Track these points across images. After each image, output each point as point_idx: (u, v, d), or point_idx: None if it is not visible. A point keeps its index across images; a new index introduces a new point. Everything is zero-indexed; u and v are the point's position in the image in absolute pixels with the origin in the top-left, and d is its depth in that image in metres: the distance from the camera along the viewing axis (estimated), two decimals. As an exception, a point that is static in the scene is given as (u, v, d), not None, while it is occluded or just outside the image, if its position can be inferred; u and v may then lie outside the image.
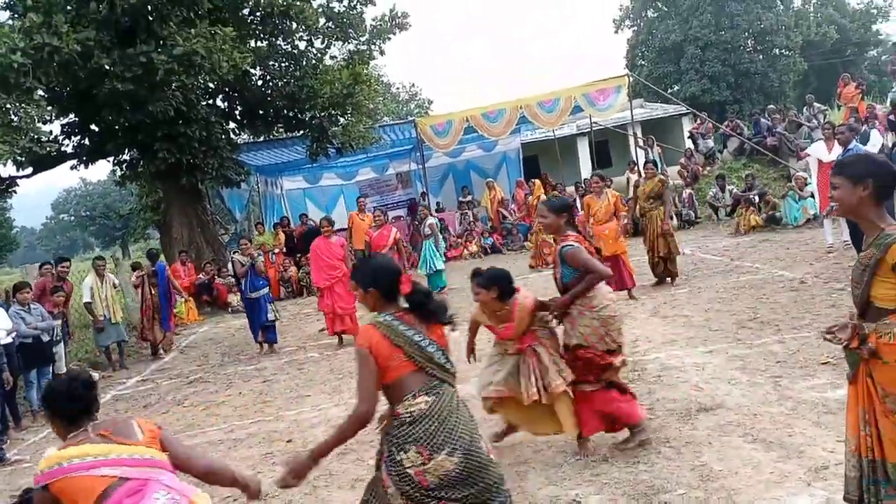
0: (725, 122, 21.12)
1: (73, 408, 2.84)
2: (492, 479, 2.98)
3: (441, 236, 13.85)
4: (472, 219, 18.50)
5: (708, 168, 18.57)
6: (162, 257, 13.56)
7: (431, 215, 14.83)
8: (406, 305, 3.12)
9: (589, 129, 21.55)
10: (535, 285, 11.92)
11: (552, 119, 17.75)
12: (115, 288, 11.02)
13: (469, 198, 19.52)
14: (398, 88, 49.57)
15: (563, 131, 22.44)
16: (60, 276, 10.05)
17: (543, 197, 14.25)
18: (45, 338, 8.59)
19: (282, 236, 17.43)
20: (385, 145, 20.13)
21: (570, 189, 18.48)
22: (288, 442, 6.06)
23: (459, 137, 18.31)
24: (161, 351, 11.55)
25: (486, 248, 17.50)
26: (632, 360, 6.65)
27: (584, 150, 24.03)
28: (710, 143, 19.95)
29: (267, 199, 21.99)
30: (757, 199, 14.69)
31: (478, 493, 2.92)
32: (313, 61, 16.53)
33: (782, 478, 3.94)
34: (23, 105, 11.40)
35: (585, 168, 23.21)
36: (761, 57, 38.27)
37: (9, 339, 7.67)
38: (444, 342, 3.12)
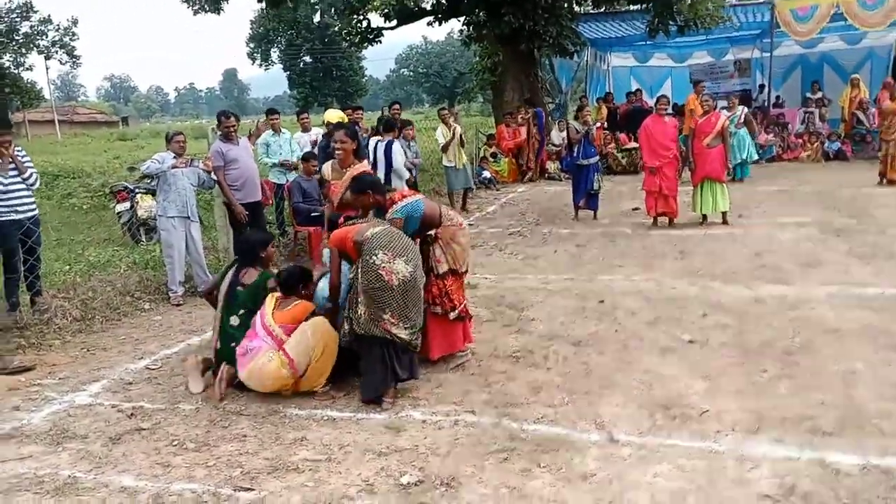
0: None
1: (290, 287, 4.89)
2: (420, 309, 4.57)
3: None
4: (817, 118, 16.51)
5: None
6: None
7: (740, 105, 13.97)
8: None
9: None
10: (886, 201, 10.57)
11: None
12: (461, 135, 11.95)
13: (819, 94, 17.30)
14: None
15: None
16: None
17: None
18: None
19: (604, 111, 17.35)
20: (730, 27, 18.46)
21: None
22: (600, 302, 6.43)
23: (823, 25, 16.08)
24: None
25: (830, 153, 15.63)
26: None
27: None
28: None
29: (593, 73, 21.81)
30: None
31: (416, 301, 4.50)
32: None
33: None
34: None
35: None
36: None
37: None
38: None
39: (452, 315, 4.97)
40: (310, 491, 3.48)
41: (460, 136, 11.84)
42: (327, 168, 5.88)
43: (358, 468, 3.68)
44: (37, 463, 3.91)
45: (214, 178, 7.52)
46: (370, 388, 4.51)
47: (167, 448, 4.02)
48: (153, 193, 9.80)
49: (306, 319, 4.67)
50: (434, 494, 3.40)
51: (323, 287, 4.94)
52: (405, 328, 4.43)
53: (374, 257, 4.36)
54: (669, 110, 10.50)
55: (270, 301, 4.75)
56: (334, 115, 9.94)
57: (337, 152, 5.61)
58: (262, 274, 5.00)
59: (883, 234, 8.40)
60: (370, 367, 4.49)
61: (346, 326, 4.57)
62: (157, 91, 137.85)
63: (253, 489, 3.51)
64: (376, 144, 8.95)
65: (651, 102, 14.04)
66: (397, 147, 8.94)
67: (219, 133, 7.73)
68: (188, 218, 7.24)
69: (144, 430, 4.27)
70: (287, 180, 9.42)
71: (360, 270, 4.43)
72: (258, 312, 4.73)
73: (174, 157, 7.17)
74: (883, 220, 9.23)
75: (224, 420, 4.36)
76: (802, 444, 3.68)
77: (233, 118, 7.89)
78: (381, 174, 8.47)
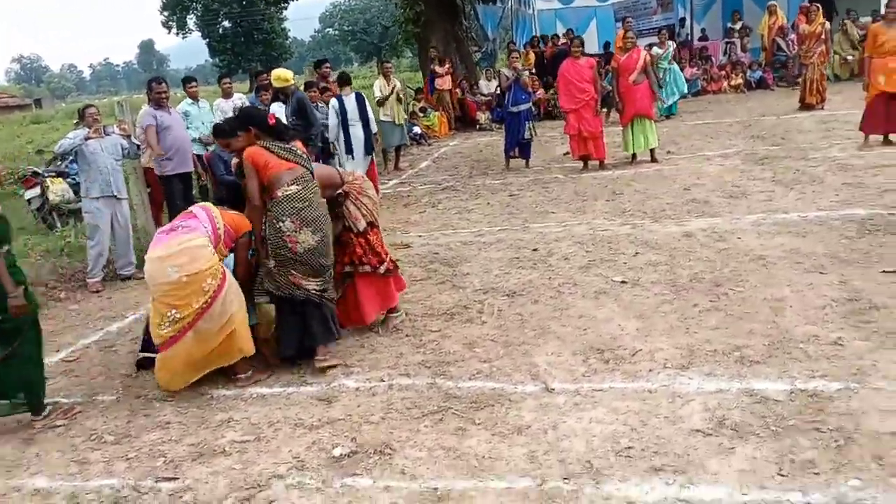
0: None
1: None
2: (330, 261, 4.47)
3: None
4: (739, 49, 16.69)
5: None
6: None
7: (669, 40, 13.91)
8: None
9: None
10: (807, 125, 10.78)
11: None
12: (399, 92, 11.53)
13: (739, 24, 17.44)
14: None
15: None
16: (324, 76, 10.90)
17: (828, 26, 12.45)
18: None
19: (532, 56, 17.16)
20: (650, -39, 18.45)
21: (866, 19, 15.77)
22: (534, 250, 6.37)
23: (739, -47, 16.17)
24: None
25: (753, 82, 15.87)
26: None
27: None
28: None
29: (518, 18, 21.56)
30: None
31: (324, 265, 4.38)
32: None
33: None
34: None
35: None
36: None
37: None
38: (304, 150, 4.60)
39: (382, 269, 4.81)
40: (237, 473, 3.33)
41: (398, 92, 11.50)
42: None
43: (288, 445, 3.55)
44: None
45: (137, 142, 7.13)
46: (287, 345, 4.47)
47: (84, 444, 3.80)
48: (64, 176, 9.28)
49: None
50: (367, 463, 3.30)
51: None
52: (314, 281, 4.36)
53: (282, 223, 4.26)
54: (584, 50, 10.34)
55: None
56: (283, 75, 9.20)
57: None
58: None
59: (804, 160, 8.56)
60: (285, 325, 4.45)
61: (259, 281, 4.47)
62: (71, 69, 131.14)
63: (176, 478, 3.34)
64: (341, 101, 8.92)
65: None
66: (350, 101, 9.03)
67: (150, 101, 7.44)
68: (114, 197, 6.82)
69: (59, 426, 4.03)
70: (207, 151, 9.00)
71: (267, 226, 4.33)
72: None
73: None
74: (805, 145, 9.41)
75: (146, 408, 4.15)
76: (732, 375, 3.70)
77: (164, 84, 7.53)
78: (356, 129, 8.89)
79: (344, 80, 9.24)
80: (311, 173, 4.46)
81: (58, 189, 9.21)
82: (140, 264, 7.20)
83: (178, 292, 4.02)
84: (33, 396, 4.04)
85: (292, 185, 4.31)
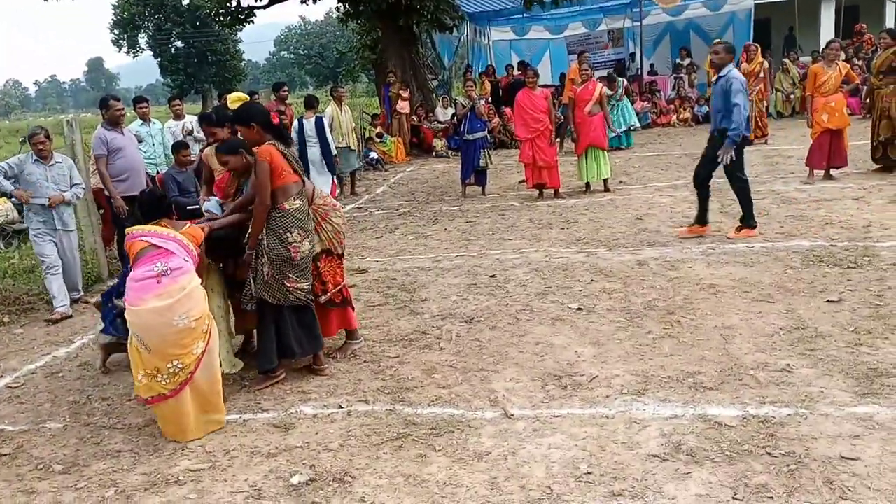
0: None
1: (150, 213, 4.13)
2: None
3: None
4: (687, 84, 17.28)
5: None
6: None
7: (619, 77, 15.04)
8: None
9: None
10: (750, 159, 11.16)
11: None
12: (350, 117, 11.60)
13: (687, 61, 18.08)
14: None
15: (807, -9, 19.74)
16: (282, 98, 10.92)
17: (766, 66, 13.01)
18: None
19: (487, 86, 17.43)
20: (602, -2, 19.03)
21: (806, 59, 16.53)
22: (491, 277, 6.42)
23: (686, -7, 16.80)
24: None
25: (700, 116, 16.40)
26: (863, 245, 6.19)
27: (828, 15, 21.12)
28: None
29: (474, 48, 21.91)
30: None
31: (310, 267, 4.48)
32: None
33: None
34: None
35: (827, 36, 20.46)
36: None
37: None
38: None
39: (322, 298, 4.67)
40: (192, 503, 3.25)
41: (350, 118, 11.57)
42: (210, 154, 5.17)
43: (245, 473, 3.48)
44: None
45: (75, 196, 6.76)
46: (266, 358, 4.45)
47: (31, 473, 3.66)
48: (6, 196, 9.00)
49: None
50: (326, 492, 3.26)
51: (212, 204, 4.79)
52: (305, 283, 4.43)
53: (289, 234, 4.34)
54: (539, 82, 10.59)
55: (155, 227, 4.02)
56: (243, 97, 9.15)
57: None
58: None
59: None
60: (266, 336, 4.45)
61: (247, 289, 4.45)
62: (15, 85, 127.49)
63: (128, 509, 3.25)
64: (301, 122, 9.63)
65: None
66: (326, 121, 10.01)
67: (104, 120, 7.23)
68: (58, 230, 6.53)
69: (4, 455, 3.87)
70: (158, 171, 8.86)
71: (268, 238, 4.33)
72: (150, 232, 3.96)
73: (34, 161, 6.44)
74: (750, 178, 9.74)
75: (95, 436, 4.02)
76: (686, 401, 3.79)
77: (120, 102, 7.36)
78: (314, 150, 9.58)
79: (309, 104, 9.63)
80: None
81: (0, 209, 8.93)
82: (87, 287, 7.05)
83: (184, 340, 3.75)
84: None
85: (298, 198, 4.40)
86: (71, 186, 6.67)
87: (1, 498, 3.45)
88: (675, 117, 16.79)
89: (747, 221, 6.98)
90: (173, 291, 3.73)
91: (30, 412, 4.46)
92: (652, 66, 19.86)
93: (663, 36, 21.27)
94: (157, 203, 4.22)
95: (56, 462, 3.75)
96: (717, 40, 7.69)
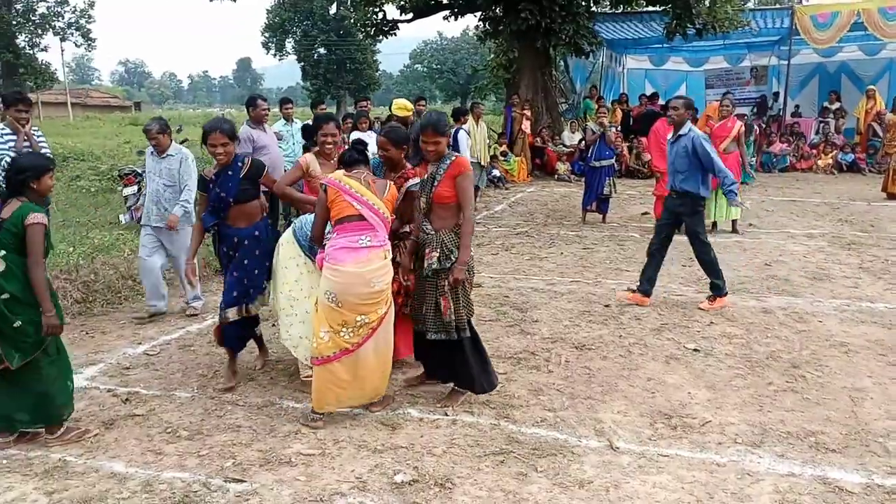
0: None
1: (352, 158, 4.27)
2: None
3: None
4: (832, 129, 16.36)
5: None
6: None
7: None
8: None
9: None
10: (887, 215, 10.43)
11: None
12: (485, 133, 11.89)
13: (836, 105, 17.14)
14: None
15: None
16: (418, 112, 11.24)
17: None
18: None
19: (619, 113, 17.25)
20: (748, 33, 18.31)
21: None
22: (605, 306, 6.35)
23: (843, 34, 15.93)
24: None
25: (844, 164, 15.48)
26: None
27: None
28: None
29: (608, 74, 21.70)
30: None
31: None
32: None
33: None
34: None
35: None
36: None
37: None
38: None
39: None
40: (302, 485, 3.42)
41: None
42: (312, 160, 4.93)
43: (352, 464, 3.62)
44: (28, 444, 3.87)
45: (181, 208, 6.06)
46: (485, 379, 4.36)
47: (160, 435, 3.97)
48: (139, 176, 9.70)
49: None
50: (427, 494, 3.34)
51: (305, 221, 4.55)
52: None
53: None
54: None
55: (360, 185, 4.10)
56: (406, 105, 9.64)
57: (327, 146, 4.89)
58: (22, 206, 3.75)
59: (895, 250, 8.29)
60: (477, 358, 4.35)
61: (459, 309, 4.29)
62: (171, 77, 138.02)
63: (244, 481, 3.46)
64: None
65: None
66: (462, 135, 10.36)
67: (249, 118, 7.72)
68: (161, 228, 6.09)
69: (138, 416, 4.22)
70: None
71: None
72: (359, 197, 4.06)
73: (151, 153, 6.15)
74: (895, 235, 9.12)
75: (219, 409, 4.31)
76: (805, 460, 3.61)
77: (266, 102, 7.85)
78: None
79: (459, 115, 10.68)
80: None
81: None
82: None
83: (376, 299, 4.04)
84: (44, 414, 3.88)
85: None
86: (182, 189, 6.08)
87: (132, 455, 3.76)
88: (817, 163, 15.92)
89: (717, 290, 6.27)
90: (373, 260, 4.02)
91: (162, 379, 4.83)
92: (797, 107, 18.93)
93: (811, 77, 20.23)
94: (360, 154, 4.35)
95: (182, 428, 4.05)
96: (677, 95, 7.01)
